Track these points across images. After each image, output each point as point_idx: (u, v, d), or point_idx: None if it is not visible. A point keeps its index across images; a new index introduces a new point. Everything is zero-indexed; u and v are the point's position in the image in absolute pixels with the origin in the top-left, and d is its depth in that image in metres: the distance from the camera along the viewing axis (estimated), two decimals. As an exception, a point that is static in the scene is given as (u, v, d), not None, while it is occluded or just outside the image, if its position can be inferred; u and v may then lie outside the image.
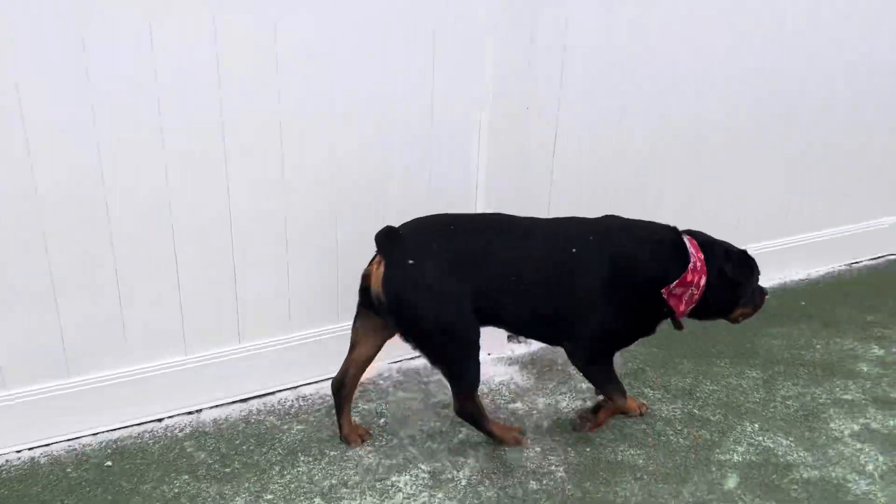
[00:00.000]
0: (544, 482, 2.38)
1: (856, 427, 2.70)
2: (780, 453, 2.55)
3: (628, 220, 2.41)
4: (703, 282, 2.30)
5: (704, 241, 2.38)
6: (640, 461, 2.48)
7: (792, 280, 3.92)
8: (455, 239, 2.24)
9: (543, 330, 2.41)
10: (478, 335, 2.26)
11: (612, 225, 2.37)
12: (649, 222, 2.42)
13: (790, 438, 2.62)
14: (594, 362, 2.41)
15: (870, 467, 2.48)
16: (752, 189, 3.66)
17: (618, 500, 2.30)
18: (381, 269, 2.17)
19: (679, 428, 2.67)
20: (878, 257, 4.23)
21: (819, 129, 3.69)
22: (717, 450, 2.55)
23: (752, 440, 2.61)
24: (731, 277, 2.35)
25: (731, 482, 2.41)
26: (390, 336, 2.38)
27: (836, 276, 4.02)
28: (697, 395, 2.88)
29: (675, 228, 2.41)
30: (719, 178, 3.55)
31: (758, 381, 2.98)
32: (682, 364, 3.09)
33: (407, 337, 2.27)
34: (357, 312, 2.38)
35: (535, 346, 3.17)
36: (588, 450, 2.53)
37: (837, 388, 2.94)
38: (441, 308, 2.18)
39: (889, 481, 2.41)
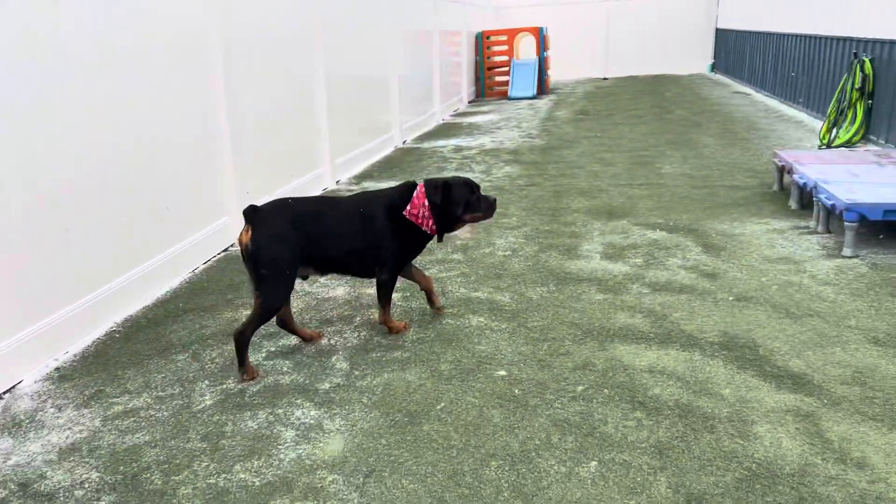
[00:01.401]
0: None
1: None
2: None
3: (392, 187, 3.94)
4: (425, 205, 3.71)
5: (427, 182, 3.78)
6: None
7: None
8: (293, 209, 3.58)
9: (360, 263, 3.77)
10: (295, 276, 3.58)
11: (384, 191, 3.90)
12: (402, 183, 3.92)
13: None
14: (391, 278, 3.83)
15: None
16: None
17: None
18: (249, 231, 3.42)
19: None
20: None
21: None
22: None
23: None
24: (432, 200, 3.72)
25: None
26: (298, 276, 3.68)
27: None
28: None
29: (413, 182, 3.86)
30: None
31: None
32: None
33: (255, 273, 3.45)
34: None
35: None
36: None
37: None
38: (283, 253, 3.47)
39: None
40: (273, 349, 3.90)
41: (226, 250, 5.62)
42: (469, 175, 7.95)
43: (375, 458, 2.88)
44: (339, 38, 8.02)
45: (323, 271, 3.83)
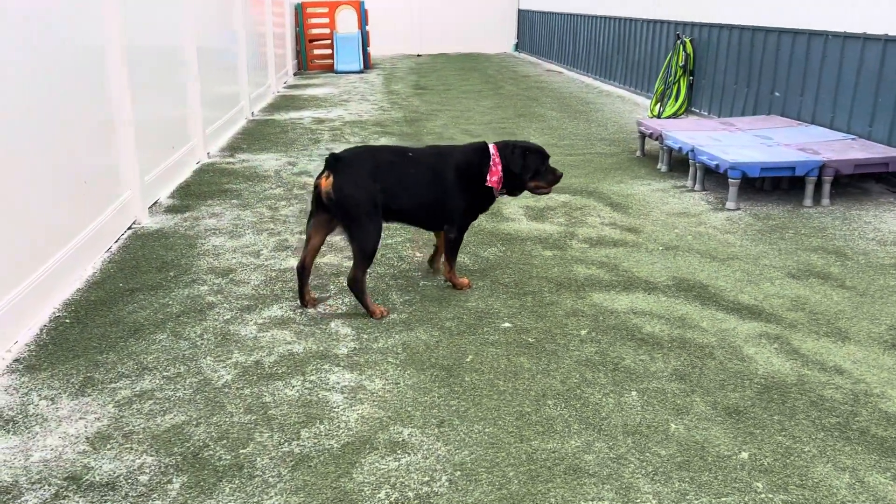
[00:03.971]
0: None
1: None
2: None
3: (459, 145, 4.02)
4: (499, 170, 3.80)
5: (501, 144, 3.88)
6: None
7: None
8: (373, 159, 3.68)
9: (428, 217, 3.88)
10: (381, 222, 3.68)
11: (459, 148, 3.96)
12: (470, 143, 4.00)
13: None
14: (459, 235, 3.93)
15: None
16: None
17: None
18: (331, 178, 3.53)
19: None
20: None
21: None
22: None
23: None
24: (507, 164, 3.79)
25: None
26: (332, 230, 3.75)
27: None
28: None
29: (484, 142, 3.92)
30: None
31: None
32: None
33: (343, 219, 3.58)
34: (311, 214, 3.75)
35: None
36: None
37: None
38: (367, 198, 3.56)
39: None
40: (261, 321, 3.77)
41: (130, 227, 5.19)
42: (347, 145, 7.93)
43: (438, 410, 2.97)
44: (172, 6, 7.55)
45: (397, 219, 3.89)
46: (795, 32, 7.25)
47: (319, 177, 3.62)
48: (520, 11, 20.31)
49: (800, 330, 3.64)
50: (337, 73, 15.80)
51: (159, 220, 5.40)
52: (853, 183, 6.14)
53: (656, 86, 10.01)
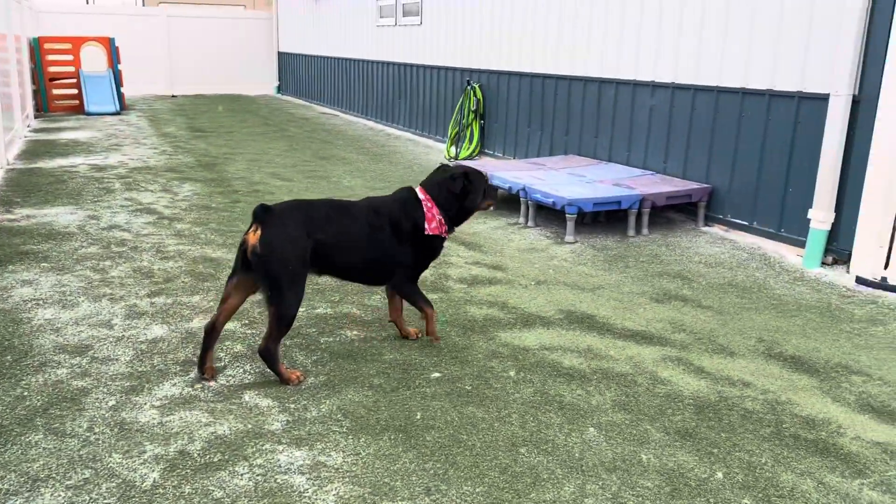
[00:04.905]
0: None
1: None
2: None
3: (390, 196, 3.70)
4: (435, 209, 3.59)
5: (427, 184, 3.68)
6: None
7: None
8: (308, 213, 3.34)
9: (375, 274, 3.63)
10: (304, 287, 3.33)
11: (385, 200, 3.66)
12: (398, 192, 3.71)
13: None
14: (413, 282, 3.72)
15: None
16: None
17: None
18: (259, 232, 3.15)
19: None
20: None
21: None
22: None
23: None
24: (457, 192, 3.61)
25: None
26: (255, 291, 3.34)
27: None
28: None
29: (410, 189, 3.68)
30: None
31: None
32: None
33: (265, 279, 3.18)
34: (233, 271, 3.34)
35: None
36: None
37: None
38: (296, 257, 3.21)
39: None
40: (159, 403, 3.22)
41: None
42: (150, 194, 7.19)
43: (417, 477, 2.75)
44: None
45: (338, 276, 3.56)
46: (586, 80, 8.02)
47: (247, 231, 3.24)
48: (280, 54, 20.05)
49: (692, 350, 3.96)
50: (88, 114, 14.24)
51: (-47, 293, 4.40)
52: (659, 213, 6.89)
53: (450, 129, 10.42)
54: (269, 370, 3.42)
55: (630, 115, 7.40)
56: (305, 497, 2.60)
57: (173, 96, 18.65)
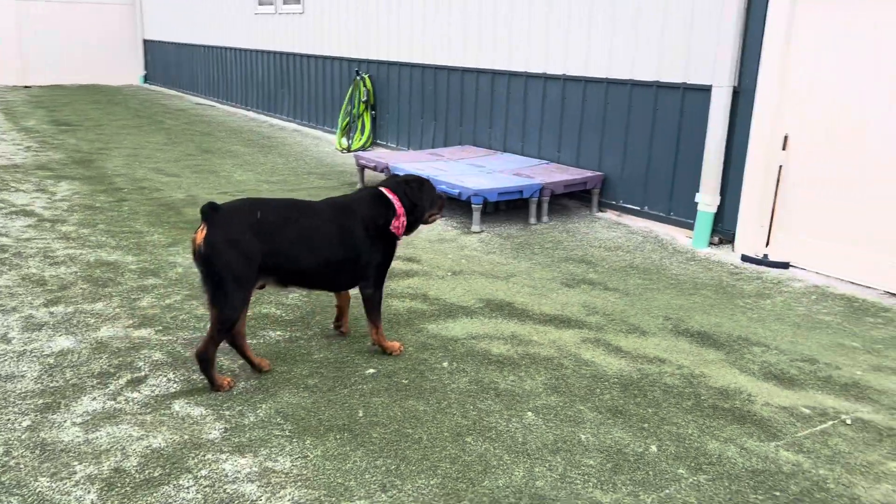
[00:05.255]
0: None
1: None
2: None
3: (356, 195, 3.62)
4: (402, 209, 3.53)
5: (393, 185, 3.61)
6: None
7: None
8: (259, 213, 3.20)
9: (337, 277, 3.47)
10: (253, 286, 3.22)
11: (353, 198, 3.56)
12: (366, 190, 3.63)
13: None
14: (379, 288, 3.58)
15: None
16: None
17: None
18: (204, 231, 3.06)
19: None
20: None
21: None
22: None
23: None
24: (413, 202, 3.56)
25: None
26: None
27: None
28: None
29: (378, 188, 3.59)
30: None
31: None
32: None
33: (207, 279, 3.10)
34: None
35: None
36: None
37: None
38: (240, 259, 3.10)
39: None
40: (80, 420, 3.02)
41: None
42: (24, 195, 6.67)
43: (371, 475, 2.74)
44: None
45: (285, 283, 3.27)
46: (479, 72, 8.15)
47: (196, 230, 3.13)
48: (146, 41, 19.00)
49: (608, 331, 4.16)
50: (-68, 107, 12.93)
51: None
52: (556, 201, 7.13)
53: (340, 120, 10.29)
54: (196, 377, 3.29)
55: (523, 107, 7.59)
56: (261, 500, 2.52)
57: (27, 87, 17.26)
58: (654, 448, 2.98)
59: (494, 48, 7.86)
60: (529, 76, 7.47)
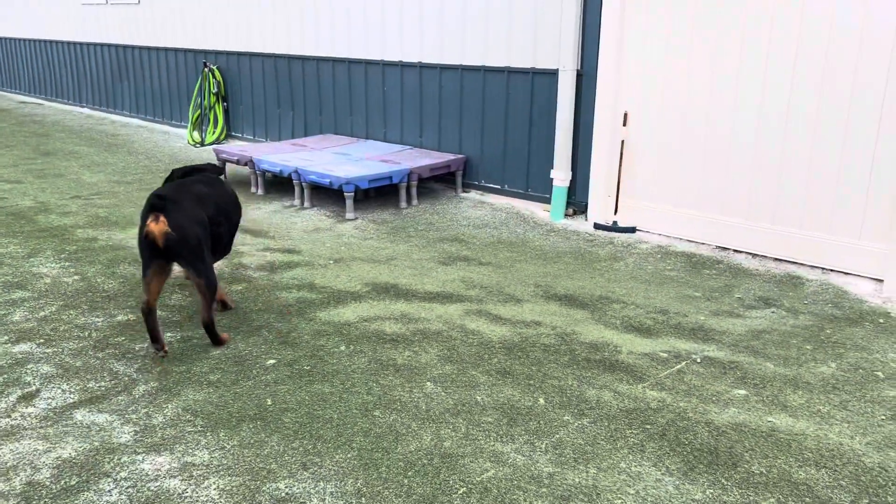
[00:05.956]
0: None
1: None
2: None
3: (200, 173, 4.17)
4: None
5: (206, 167, 4.28)
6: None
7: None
8: (193, 192, 3.69)
9: (228, 245, 4.05)
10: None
11: (212, 173, 4.18)
12: (191, 167, 4.20)
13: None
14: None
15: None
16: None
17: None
18: (163, 219, 3.36)
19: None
20: None
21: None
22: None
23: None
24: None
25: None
26: (170, 272, 3.60)
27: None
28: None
29: (204, 166, 4.25)
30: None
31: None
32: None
33: (186, 257, 3.46)
34: (146, 264, 3.47)
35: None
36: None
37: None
38: (203, 231, 3.56)
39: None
40: (-20, 440, 2.94)
41: None
42: None
43: (290, 456, 2.90)
44: None
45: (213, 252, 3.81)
46: (334, 61, 8.25)
47: (145, 221, 3.40)
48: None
49: (487, 302, 4.50)
50: None
51: None
52: (423, 185, 7.41)
53: (191, 114, 10.01)
54: (93, 384, 3.27)
55: (382, 94, 7.79)
56: (187, 497, 2.62)
57: None
58: (541, 401, 3.34)
59: (349, 37, 7.99)
60: (386, 64, 7.67)
